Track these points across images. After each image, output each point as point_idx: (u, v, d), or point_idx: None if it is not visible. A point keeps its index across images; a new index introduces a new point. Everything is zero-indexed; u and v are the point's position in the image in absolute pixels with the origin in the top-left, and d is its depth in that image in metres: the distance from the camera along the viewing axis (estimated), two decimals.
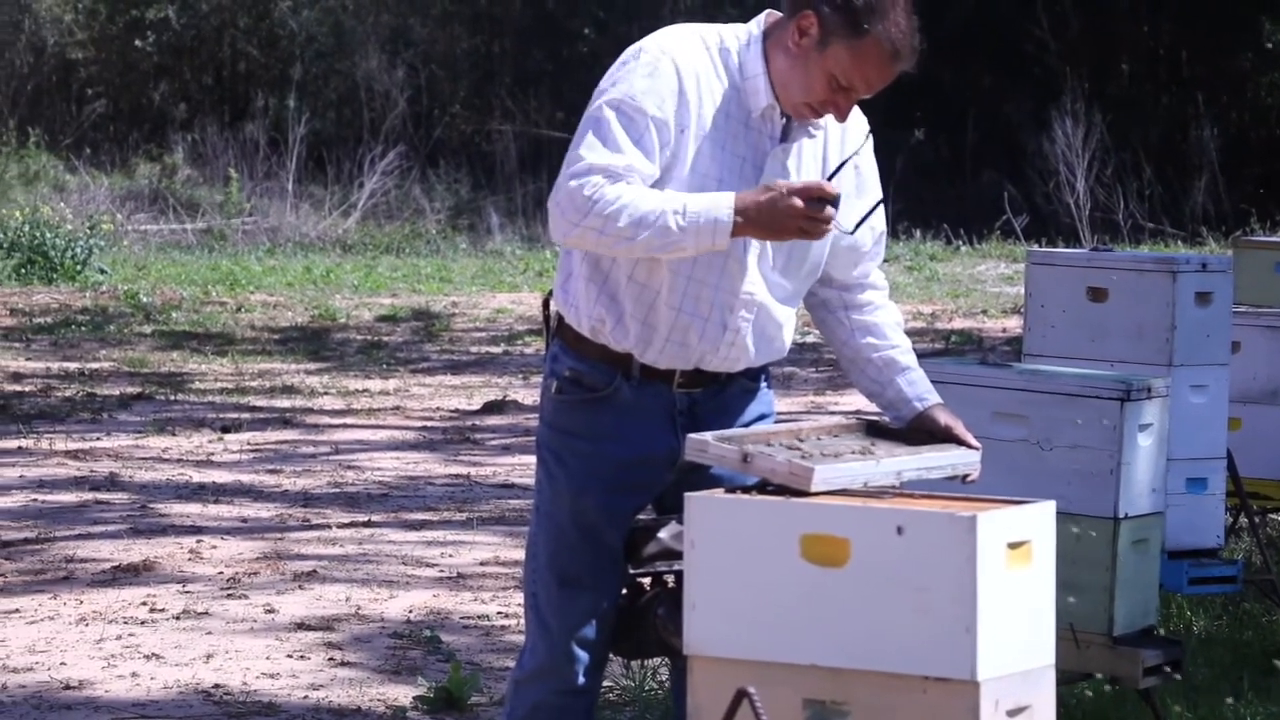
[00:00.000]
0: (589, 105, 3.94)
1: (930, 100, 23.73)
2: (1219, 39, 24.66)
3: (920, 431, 4.01)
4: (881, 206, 4.10)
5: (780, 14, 3.98)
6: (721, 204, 3.83)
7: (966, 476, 3.97)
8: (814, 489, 3.59)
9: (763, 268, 4.00)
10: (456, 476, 9.65)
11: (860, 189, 4.07)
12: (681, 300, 3.97)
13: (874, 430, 3.97)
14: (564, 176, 3.89)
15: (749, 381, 4.13)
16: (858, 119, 4.05)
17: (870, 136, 4.09)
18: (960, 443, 3.98)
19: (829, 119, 3.97)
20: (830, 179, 3.96)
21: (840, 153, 4.03)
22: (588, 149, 3.87)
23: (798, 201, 3.80)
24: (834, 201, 3.83)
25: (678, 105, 3.90)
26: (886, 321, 4.14)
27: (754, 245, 3.97)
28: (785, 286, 4.05)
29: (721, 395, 4.09)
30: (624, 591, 4.06)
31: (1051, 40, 24.68)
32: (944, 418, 4.02)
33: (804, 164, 4.00)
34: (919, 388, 4.07)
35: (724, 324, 4.00)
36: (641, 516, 4.08)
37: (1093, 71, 24.62)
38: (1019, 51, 24.99)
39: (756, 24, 3.99)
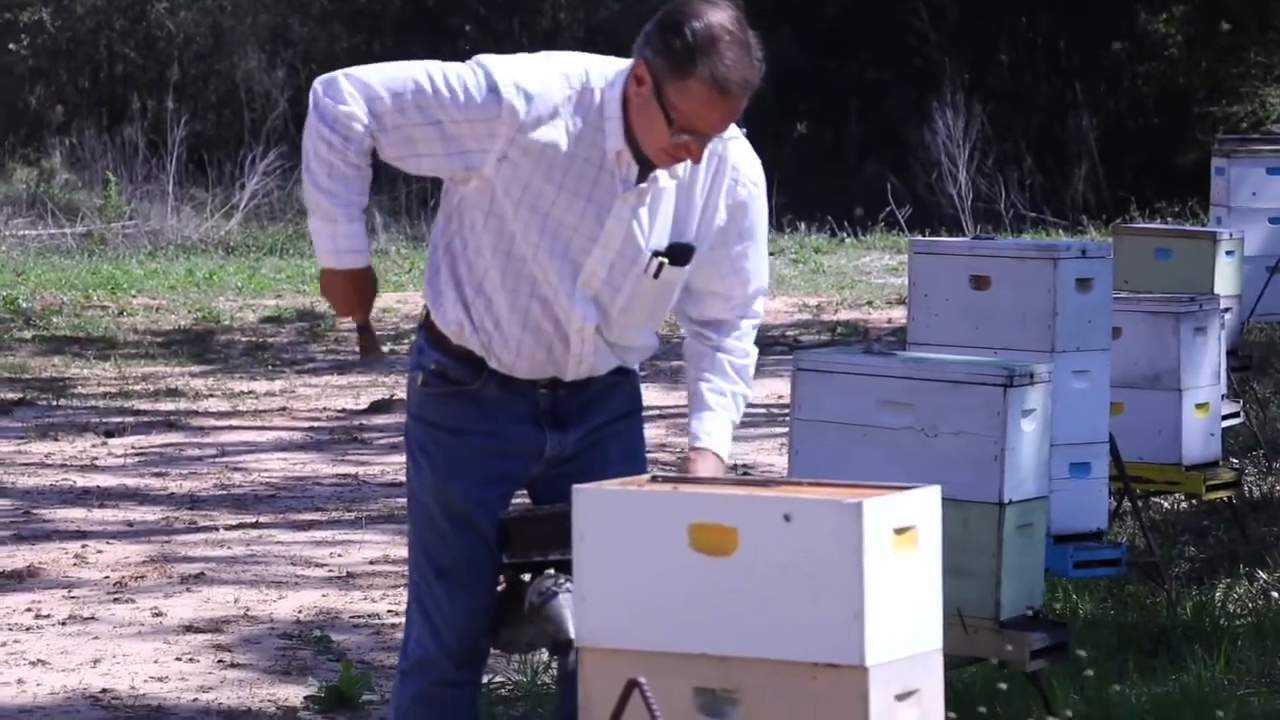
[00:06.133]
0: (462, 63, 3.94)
1: (813, 93, 23.81)
2: (1095, 28, 24.90)
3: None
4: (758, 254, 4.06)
5: None
6: (329, 254, 4.01)
7: None
8: None
9: (597, 307, 3.99)
10: (344, 476, 9.60)
11: (736, 236, 4.03)
12: (524, 320, 3.99)
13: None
14: (375, 82, 3.91)
15: (614, 376, 4.13)
16: (749, 167, 4.01)
17: (755, 186, 4.02)
18: None
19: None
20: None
21: (706, 196, 3.98)
22: (393, 87, 3.90)
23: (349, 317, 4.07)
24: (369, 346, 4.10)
25: (501, 132, 3.86)
26: (720, 357, 4.10)
27: (580, 292, 3.96)
28: (625, 324, 4.04)
29: (586, 392, 4.10)
30: (501, 582, 4.07)
31: (931, 31, 24.84)
32: (696, 464, 4.02)
33: (659, 210, 3.96)
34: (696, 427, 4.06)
35: (566, 347, 4.02)
36: (514, 505, 4.09)
37: (972, 63, 24.80)
38: (900, 43, 25.13)
39: (630, 64, 3.93)
